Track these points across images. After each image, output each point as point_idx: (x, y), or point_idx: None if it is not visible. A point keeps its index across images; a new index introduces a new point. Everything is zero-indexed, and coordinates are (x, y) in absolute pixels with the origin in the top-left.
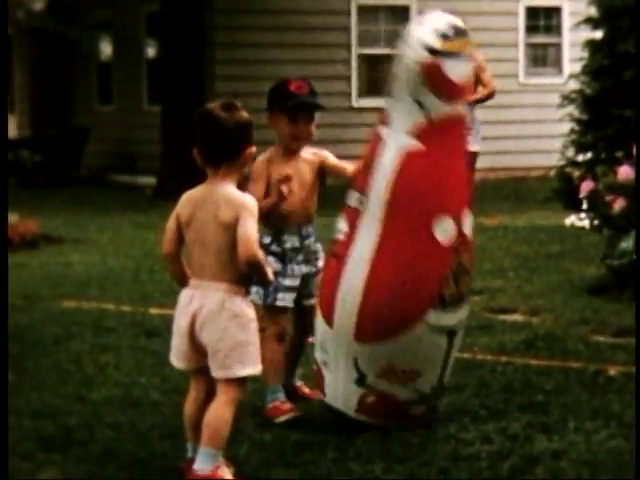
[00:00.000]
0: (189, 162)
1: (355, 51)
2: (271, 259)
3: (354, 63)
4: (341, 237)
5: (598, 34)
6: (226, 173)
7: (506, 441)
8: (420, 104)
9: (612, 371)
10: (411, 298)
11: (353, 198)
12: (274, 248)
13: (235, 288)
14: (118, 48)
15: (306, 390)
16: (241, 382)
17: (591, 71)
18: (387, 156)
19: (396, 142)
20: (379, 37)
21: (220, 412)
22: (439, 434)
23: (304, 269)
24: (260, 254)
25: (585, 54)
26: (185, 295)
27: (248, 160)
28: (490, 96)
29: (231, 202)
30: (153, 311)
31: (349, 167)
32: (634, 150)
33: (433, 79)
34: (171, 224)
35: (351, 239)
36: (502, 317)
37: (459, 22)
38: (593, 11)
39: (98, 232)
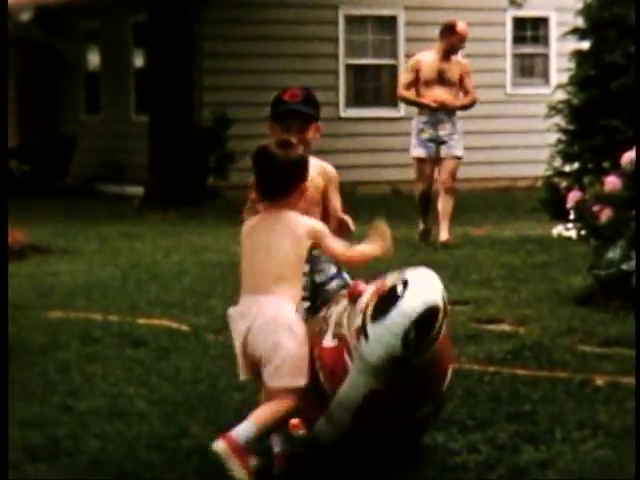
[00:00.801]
0: (176, 172)
1: (342, 61)
2: None
3: (341, 73)
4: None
5: (585, 45)
6: (281, 206)
7: (493, 451)
8: None
9: (599, 381)
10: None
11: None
12: None
13: (287, 302)
14: (105, 58)
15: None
16: (293, 391)
17: (578, 81)
18: None
19: None
20: (367, 47)
21: (268, 411)
22: (426, 443)
23: (317, 278)
24: (356, 252)
25: (572, 65)
26: (236, 311)
27: (302, 195)
28: (472, 104)
29: (297, 225)
30: (140, 321)
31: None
32: (621, 160)
33: None
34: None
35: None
36: (489, 327)
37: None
38: (580, 22)
39: (85, 242)
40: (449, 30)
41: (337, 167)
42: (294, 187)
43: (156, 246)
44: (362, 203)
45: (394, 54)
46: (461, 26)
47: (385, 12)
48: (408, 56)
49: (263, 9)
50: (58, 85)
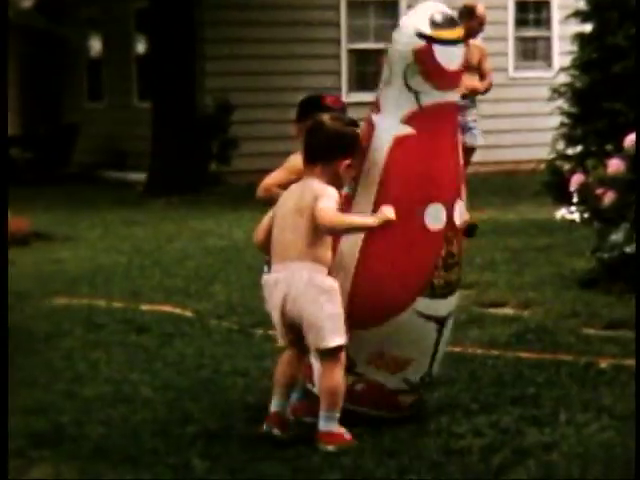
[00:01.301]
0: (179, 158)
1: (345, 46)
2: None
3: (344, 58)
4: None
5: (587, 27)
6: (320, 173)
7: (497, 434)
8: (411, 90)
9: (603, 364)
10: (401, 285)
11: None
12: None
13: (319, 266)
14: (108, 45)
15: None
16: (339, 349)
17: (581, 64)
18: (378, 142)
19: (387, 128)
20: (368, 32)
21: (329, 379)
22: (430, 428)
23: None
24: (340, 219)
25: (574, 47)
26: (270, 278)
27: (341, 170)
28: (490, 88)
29: (312, 190)
30: (144, 307)
31: None
32: (624, 143)
33: (425, 65)
34: (269, 214)
35: None
36: (493, 311)
37: (452, 12)
38: (582, 4)
39: (89, 229)
40: (469, 14)
41: None
42: (335, 157)
43: (159, 232)
44: None
45: None
46: (481, 9)
47: None
48: None
49: None
50: (60, 72)
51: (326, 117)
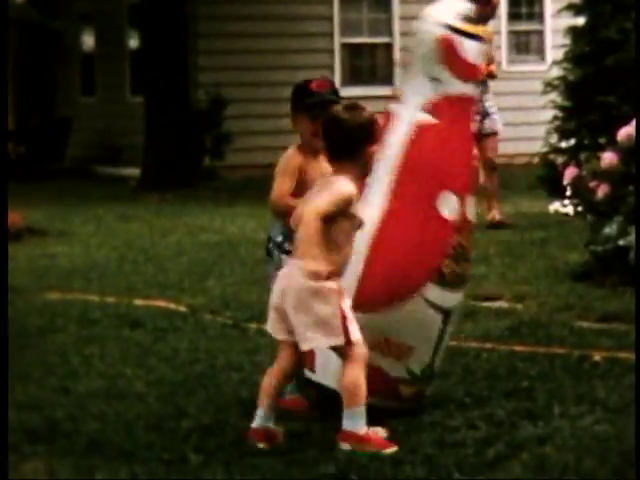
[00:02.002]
0: (173, 153)
1: (338, 40)
2: (284, 257)
3: (337, 52)
4: None
5: (580, 21)
6: (348, 168)
7: (491, 427)
8: (434, 80)
9: (597, 357)
10: (412, 269)
11: None
12: (287, 246)
13: (315, 266)
14: (101, 39)
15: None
16: (351, 344)
17: (573, 58)
18: (398, 129)
19: (408, 116)
20: (362, 26)
21: (345, 376)
22: (425, 421)
23: None
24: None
25: (567, 41)
26: (280, 271)
27: (369, 158)
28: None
29: (330, 191)
30: (138, 302)
31: None
32: (618, 136)
33: (448, 55)
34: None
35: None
36: (487, 304)
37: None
38: None
39: (82, 224)
40: (484, 0)
41: None
42: (360, 149)
43: (153, 227)
44: None
45: (389, 32)
46: None
47: None
48: (403, 34)
49: None
50: (53, 67)
51: (339, 110)
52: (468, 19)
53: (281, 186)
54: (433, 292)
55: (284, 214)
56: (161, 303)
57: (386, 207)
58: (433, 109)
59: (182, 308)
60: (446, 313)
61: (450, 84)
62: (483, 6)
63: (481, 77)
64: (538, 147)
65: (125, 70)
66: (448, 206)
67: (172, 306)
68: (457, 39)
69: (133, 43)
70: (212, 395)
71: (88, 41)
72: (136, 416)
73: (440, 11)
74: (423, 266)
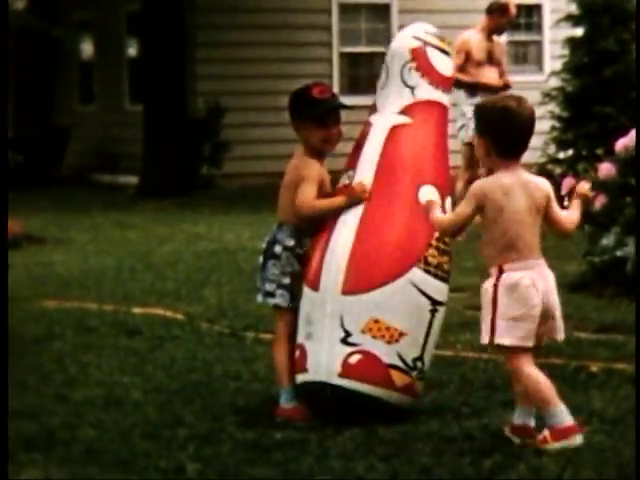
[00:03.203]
0: (171, 161)
1: (336, 49)
2: (295, 261)
3: (335, 61)
4: None
5: (579, 31)
6: (518, 164)
7: (488, 438)
8: (409, 87)
9: (594, 367)
10: (400, 251)
11: (345, 177)
12: (298, 250)
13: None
14: (99, 48)
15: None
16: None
17: (572, 68)
18: (375, 132)
19: (384, 122)
20: (360, 35)
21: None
22: (421, 431)
23: None
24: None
25: (566, 51)
26: (526, 277)
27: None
28: (509, 85)
29: (540, 185)
30: (135, 310)
31: None
32: (615, 147)
33: (422, 63)
34: (468, 211)
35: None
36: None
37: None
38: (574, 8)
39: (80, 232)
40: (501, 10)
41: (335, 155)
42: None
43: (150, 235)
44: None
45: (388, 42)
46: (513, 7)
47: (378, 0)
48: None
49: None
50: (52, 75)
51: (507, 102)
52: (436, 35)
53: (310, 191)
54: (419, 276)
55: (315, 218)
56: (158, 311)
57: (369, 201)
58: (408, 112)
59: (179, 316)
60: (434, 302)
61: (423, 89)
62: (500, 16)
63: (497, 87)
64: (536, 157)
65: (124, 79)
66: (429, 198)
67: (169, 314)
68: (429, 50)
69: (132, 51)
70: (209, 404)
71: (87, 49)
72: (133, 424)
73: (414, 29)
74: (410, 250)
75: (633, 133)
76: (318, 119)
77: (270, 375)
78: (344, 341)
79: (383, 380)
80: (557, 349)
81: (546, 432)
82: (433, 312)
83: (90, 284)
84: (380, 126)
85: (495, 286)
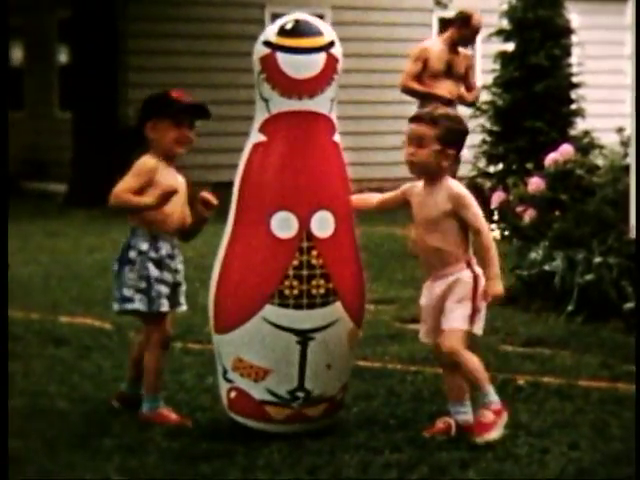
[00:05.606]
0: (100, 169)
1: None
2: (150, 265)
3: None
4: None
5: (510, 46)
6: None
7: (415, 450)
8: (263, 99)
9: (520, 380)
10: (252, 291)
11: None
12: (152, 255)
13: None
14: (29, 54)
15: (172, 416)
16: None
17: (503, 83)
18: (243, 153)
19: (249, 138)
20: None
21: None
22: (349, 443)
23: (177, 277)
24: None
25: (497, 66)
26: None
27: None
28: (476, 100)
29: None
30: (63, 319)
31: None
32: (545, 161)
33: (269, 72)
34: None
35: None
36: (412, 326)
37: (315, 22)
38: (505, 23)
39: (8, 240)
40: (464, 21)
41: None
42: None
43: (79, 244)
44: None
45: None
46: (477, 19)
47: (312, 11)
48: None
49: (188, 7)
50: None
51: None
52: (290, 33)
53: (127, 183)
54: (275, 312)
55: (122, 209)
56: (86, 320)
57: (231, 232)
58: (265, 127)
59: (107, 325)
60: (302, 333)
61: (277, 102)
62: (462, 28)
63: (447, 92)
64: (466, 171)
65: (54, 85)
66: (283, 225)
67: (97, 323)
68: (276, 55)
69: (62, 58)
70: (135, 414)
71: (17, 55)
72: (58, 434)
73: (268, 29)
74: (259, 289)
75: (563, 147)
76: (175, 117)
77: (198, 384)
78: (224, 377)
79: (260, 415)
80: (485, 362)
81: (487, 412)
82: (303, 342)
83: (17, 292)
84: (246, 145)
85: (476, 277)
